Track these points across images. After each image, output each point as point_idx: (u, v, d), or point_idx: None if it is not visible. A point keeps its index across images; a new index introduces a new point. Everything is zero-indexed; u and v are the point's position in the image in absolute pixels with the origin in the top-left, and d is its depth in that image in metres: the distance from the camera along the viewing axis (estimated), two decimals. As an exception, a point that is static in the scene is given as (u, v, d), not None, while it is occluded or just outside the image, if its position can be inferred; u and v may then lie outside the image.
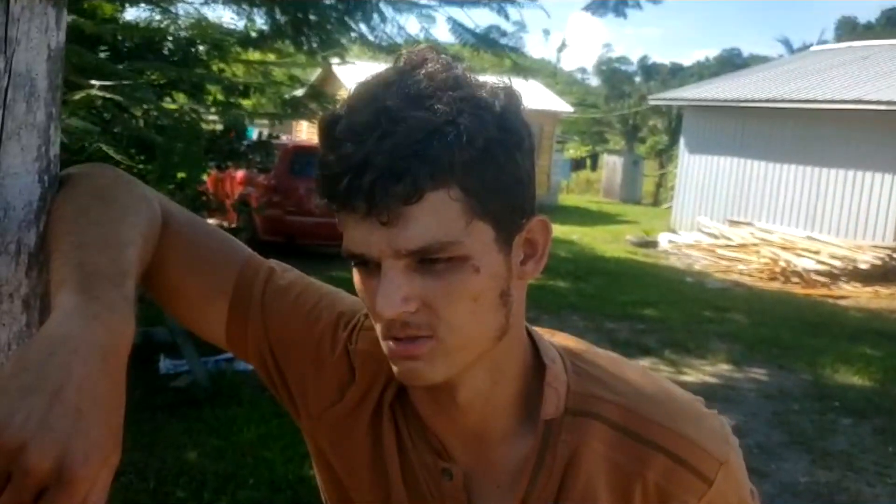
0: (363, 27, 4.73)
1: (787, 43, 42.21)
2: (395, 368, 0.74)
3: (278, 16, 4.69)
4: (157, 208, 0.82)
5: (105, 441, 0.59)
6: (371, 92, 0.69)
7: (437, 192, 0.67)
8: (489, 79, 0.73)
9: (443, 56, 0.72)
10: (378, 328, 0.73)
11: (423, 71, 0.69)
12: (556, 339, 0.86)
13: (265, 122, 6.89)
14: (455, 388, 0.77)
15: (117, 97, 3.02)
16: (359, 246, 0.70)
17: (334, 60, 5.17)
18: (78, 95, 2.95)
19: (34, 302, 0.75)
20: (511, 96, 0.72)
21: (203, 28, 5.07)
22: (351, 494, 0.86)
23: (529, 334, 0.82)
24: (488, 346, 0.74)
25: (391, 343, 0.72)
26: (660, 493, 0.78)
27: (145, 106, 3.97)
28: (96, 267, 0.67)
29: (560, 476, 0.79)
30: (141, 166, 3.76)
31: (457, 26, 4.70)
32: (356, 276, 0.73)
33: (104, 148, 3.06)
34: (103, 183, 0.78)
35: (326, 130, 0.70)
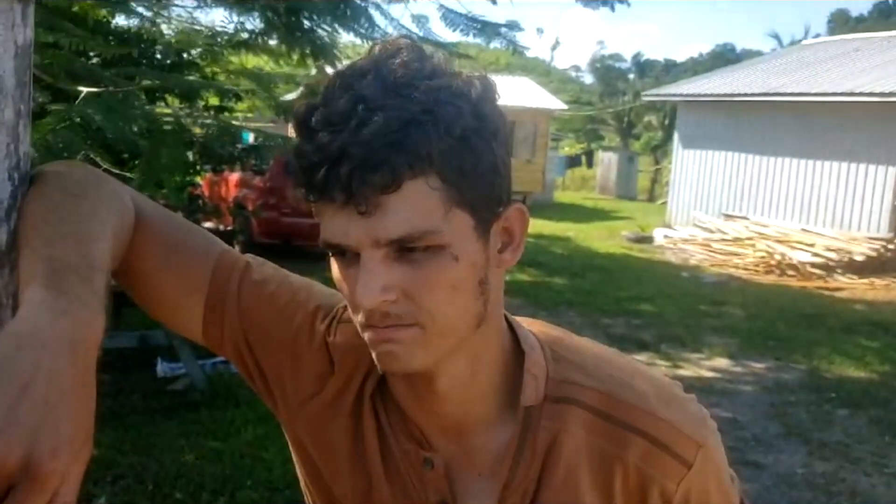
0: (355, 26, 4.72)
1: (777, 38, 42.20)
2: (374, 355, 0.74)
3: (271, 17, 4.68)
4: (129, 204, 0.81)
5: (75, 434, 0.58)
6: (346, 81, 0.69)
7: (415, 182, 0.67)
8: (463, 70, 0.73)
9: (417, 45, 0.72)
10: (357, 318, 0.73)
11: (398, 60, 0.69)
12: (534, 327, 0.86)
13: (260, 124, 6.89)
14: (433, 376, 0.77)
15: (100, 103, 3.01)
16: (337, 236, 0.69)
17: (327, 63, 5.17)
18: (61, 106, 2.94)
19: (6, 301, 0.75)
20: (486, 85, 0.72)
21: (192, 36, 5.05)
22: (332, 487, 0.86)
23: (508, 322, 0.82)
24: (467, 333, 0.74)
25: (371, 331, 0.72)
26: (640, 477, 0.79)
27: (137, 111, 3.95)
28: (65, 262, 0.66)
29: (541, 462, 0.79)
30: (129, 174, 3.75)
31: (448, 13, 4.65)
32: (334, 267, 0.73)
33: (91, 155, 3.05)
34: (74, 180, 0.78)
35: (302, 120, 0.69)
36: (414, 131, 0.66)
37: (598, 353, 0.85)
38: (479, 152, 0.70)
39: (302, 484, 0.92)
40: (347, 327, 0.84)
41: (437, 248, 0.69)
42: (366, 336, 0.73)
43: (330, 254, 0.73)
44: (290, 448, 0.91)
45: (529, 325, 0.85)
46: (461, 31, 4.23)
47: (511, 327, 0.82)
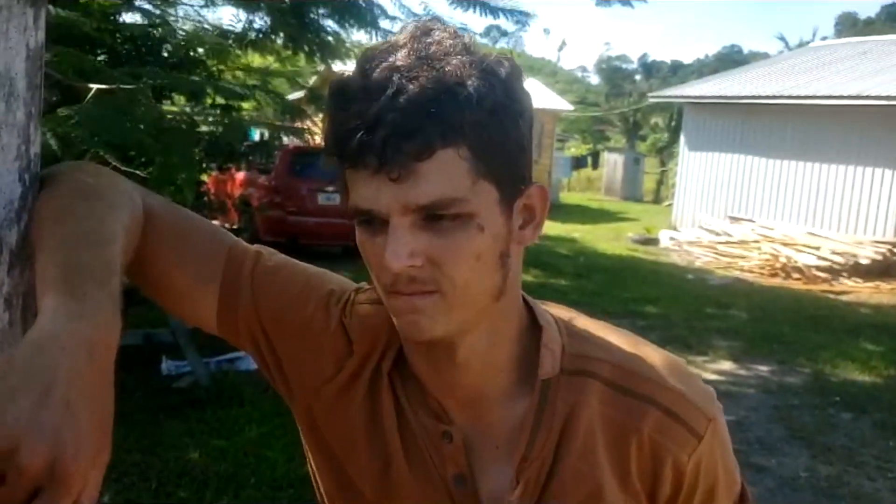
0: (362, 21, 4.72)
1: (784, 40, 42.13)
2: (397, 322, 0.76)
3: (277, 15, 4.70)
4: (138, 202, 0.82)
5: (95, 435, 0.59)
6: (382, 54, 0.71)
7: (446, 151, 0.69)
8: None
9: (449, 26, 0.75)
10: (381, 283, 0.75)
11: (431, 38, 0.71)
12: (548, 306, 0.88)
13: (266, 122, 6.91)
14: (454, 348, 0.79)
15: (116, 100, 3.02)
16: (367, 202, 0.71)
17: (335, 62, 5.18)
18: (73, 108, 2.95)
19: (17, 301, 0.76)
20: (514, 66, 0.74)
21: (200, 36, 5.07)
22: (348, 469, 0.86)
23: (525, 300, 0.85)
24: (486, 304, 0.76)
25: (395, 297, 0.74)
26: (654, 447, 0.80)
27: (143, 109, 3.96)
28: (81, 265, 0.67)
29: (558, 434, 0.81)
30: (139, 171, 3.76)
31: None
32: (360, 234, 0.75)
33: (99, 152, 3.06)
34: (85, 180, 0.79)
35: (338, 89, 0.71)
36: (448, 101, 0.68)
37: (609, 330, 0.87)
38: (507, 128, 0.72)
39: (315, 479, 0.92)
40: (363, 308, 0.86)
41: (465, 216, 0.71)
42: (389, 303, 0.75)
43: (357, 221, 0.74)
44: (302, 437, 0.91)
45: (543, 305, 0.88)
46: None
47: (527, 304, 0.85)
